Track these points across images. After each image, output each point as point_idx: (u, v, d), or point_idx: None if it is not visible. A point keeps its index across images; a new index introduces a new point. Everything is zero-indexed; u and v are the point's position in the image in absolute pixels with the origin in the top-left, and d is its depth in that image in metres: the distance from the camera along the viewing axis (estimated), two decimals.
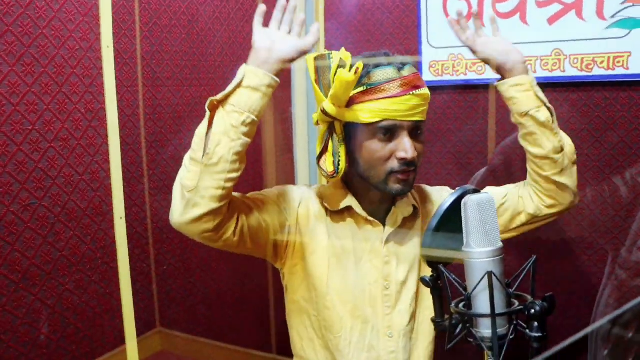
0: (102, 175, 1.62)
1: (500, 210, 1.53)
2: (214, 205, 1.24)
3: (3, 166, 1.38)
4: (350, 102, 1.36)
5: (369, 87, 1.35)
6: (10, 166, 1.40)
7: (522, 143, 1.51)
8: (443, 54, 2.16)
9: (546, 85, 1.96)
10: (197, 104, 2.00)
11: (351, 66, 1.29)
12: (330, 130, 1.43)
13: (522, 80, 1.46)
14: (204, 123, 1.26)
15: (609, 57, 1.87)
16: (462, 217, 1.14)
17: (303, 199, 1.49)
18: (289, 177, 2.41)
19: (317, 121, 1.44)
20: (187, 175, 1.25)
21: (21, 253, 1.43)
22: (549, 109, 1.46)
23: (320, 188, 1.54)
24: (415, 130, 1.38)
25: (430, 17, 2.16)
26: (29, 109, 1.43)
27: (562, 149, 1.46)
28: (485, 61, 1.53)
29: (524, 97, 1.45)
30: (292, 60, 1.32)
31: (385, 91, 1.34)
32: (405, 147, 1.36)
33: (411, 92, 1.34)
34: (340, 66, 1.33)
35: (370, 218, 1.47)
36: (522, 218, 1.54)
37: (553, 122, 1.46)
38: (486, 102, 2.12)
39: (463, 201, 1.14)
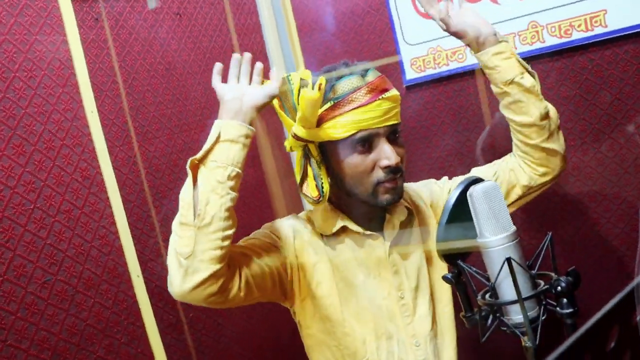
0: (111, 238, 1.62)
1: None
2: (215, 267, 1.18)
3: (13, 250, 1.39)
4: (320, 121, 1.32)
5: (335, 102, 1.31)
6: (20, 248, 1.41)
7: (506, 113, 1.45)
8: (422, 49, 2.16)
9: (529, 59, 1.95)
10: (190, 148, 2.01)
11: (313, 84, 1.27)
12: (306, 154, 1.39)
13: (503, 48, 1.41)
14: (188, 184, 1.22)
15: (585, 19, 1.86)
16: (470, 209, 1.13)
17: (296, 232, 1.43)
18: (296, 201, 2.41)
19: (291, 147, 1.40)
20: (180, 241, 1.19)
21: (47, 331, 1.43)
22: (531, 74, 1.42)
23: (308, 214, 1.49)
24: (392, 135, 1.35)
25: (401, 15, 2.17)
26: (27, 188, 1.44)
27: (547, 115, 1.42)
28: (458, 34, 1.44)
29: (506, 65, 1.40)
30: (263, 106, 1.31)
31: (354, 101, 1.31)
32: (386, 154, 1.32)
33: (380, 97, 1.31)
34: (302, 86, 1.30)
35: (367, 232, 1.42)
36: (518, 191, 1.50)
37: (537, 87, 1.42)
38: (475, 88, 2.11)
39: (468, 193, 1.13)
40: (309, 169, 1.39)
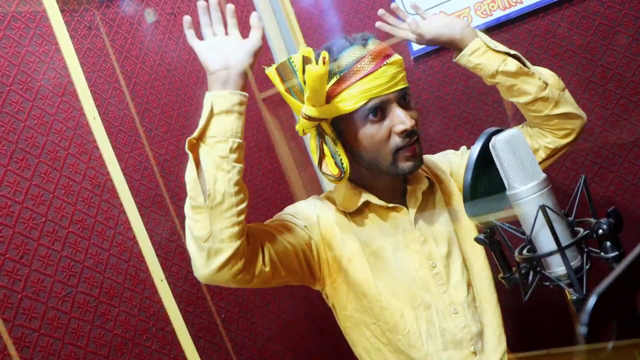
0: (129, 244, 1.58)
1: None
2: (236, 244, 1.15)
3: (28, 265, 1.35)
4: (329, 97, 1.29)
5: (341, 75, 1.28)
6: (36, 263, 1.37)
7: (507, 97, 1.44)
8: None
9: (537, 11, 1.89)
10: None
11: (317, 60, 1.21)
12: (320, 133, 1.35)
13: (476, 45, 1.39)
14: (190, 166, 1.16)
15: None
16: (495, 161, 1.07)
17: (319, 212, 1.41)
18: (315, 191, 2.36)
19: (303, 130, 1.36)
20: (196, 225, 1.15)
21: (73, 345, 1.39)
22: (513, 56, 1.39)
23: (329, 194, 1.47)
24: (402, 99, 1.32)
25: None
26: (36, 202, 1.40)
27: (545, 84, 1.38)
28: (434, 41, 1.45)
29: (486, 60, 1.39)
30: (251, 66, 1.23)
31: (360, 71, 1.28)
32: (400, 118, 1.29)
33: (385, 63, 1.28)
34: (305, 64, 1.25)
35: (391, 205, 1.39)
36: (542, 154, 1.46)
37: (525, 65, 1.39)
38: None
39: (490, 144, 1.07)
40: (326, 148, 1.35)
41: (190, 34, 1.26)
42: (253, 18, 1.26)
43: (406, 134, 1.29)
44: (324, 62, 1.19)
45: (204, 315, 1.79)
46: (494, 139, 1.06)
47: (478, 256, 1.44)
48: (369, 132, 1.31)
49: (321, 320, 2.25)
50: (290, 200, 2.30)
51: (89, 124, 1.57)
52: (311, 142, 1.38)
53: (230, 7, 1.27)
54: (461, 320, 1.38)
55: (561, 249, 1.00)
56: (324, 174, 1.36)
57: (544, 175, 1.04)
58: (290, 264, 1.30)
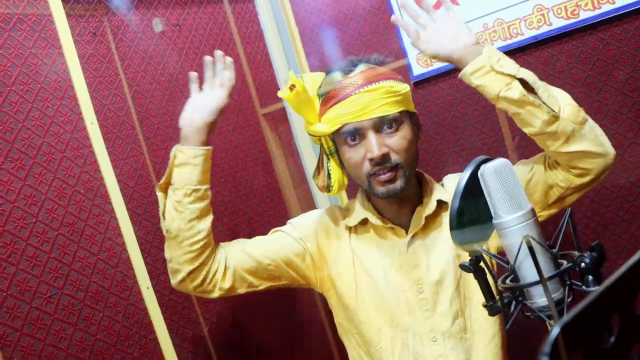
0: (117, 250, 1.58)
1: (530, 186, 1.36)
2: (190, 267, 1.41)
3: (15, 264, 1.35)
4: (320, 116, 1.39)
5: (322, 97, 1.38)
6: (23, 263, 1.37)
7: (518, 124, 1.32)
8: None
9: (537, 44, 1.91)
10: None
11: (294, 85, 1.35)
12: (321, 146, 1.46)
13: (479, 64, 1.26)
14: (160, 204, 1.43)
15: None
16: (483, 189, 1.08)
17: (321, 225, 1.51)
18: (310, 207, 2.36)
19: (314, 141, 1.49)
20: (165, 249, 1.45)
21: (54, 346, 1.39)
22: (521, 80, 1.25)
23: (348, 204, 1.54)
24: (384, 126, 1.34)
25: (403, 11, 2.12)
26: (27, 202, 1.41)
27: (555, 118, 1.23)
28: (435, 57, 1.36)
29: (488, 81, 1.26)
30: (214, 121, 1.45)
31: (335, 97, 1.34)
32: (369, 147, 1.32)
33: (358, 91, 1.31)
34: (291, 90, 1.36)
35: (389, 225, 1.43)
36: (556, 192, 1.35)
37: (535, 91, 1.25)
38: None
39: (479, 172, 1.08)
40: (323, 161, 1.48)
41: (193, 87, 1.52)
42: (225, 76, 1.49)
43: (375, 162, 1.32)
44: (291, 88, 1.33)
45: (189, 326, 1.78)
46: (482, 167, 1.07)
47: (477, 289, 1.41)
48: (347, 155, 1.38)
49: (308, 339, 2.24)
50: (284, 216, 2.30)
51: (86, 129, 1.58)
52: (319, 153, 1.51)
53: (227, 60, 1.50)
54: (438, 349, 1.38)
55: (543, 280, 1.00)
56: (316, 183, 1.49)
57: (530, 205, 1.05)
58: (271, 275, 1.48)
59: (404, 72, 2.17)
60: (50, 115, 1.51)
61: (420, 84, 2.17)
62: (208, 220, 1.43)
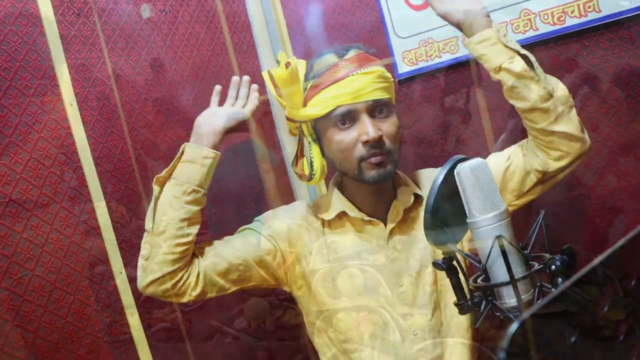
0: (92, 233, 1.57)
1: (507, 174, 1.40)
2: (168, 269, 1.34)
3: None
4: (305, 101, 1.36)
5: (313, 80, 1.35)
6: None
7: (508, 99, 1.36)
8: (413, 41, 2.11)
9: (523, 48, 1.92)
10: (178, 144, 1.94)
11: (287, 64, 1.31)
12: (301, 134, 1.42)
13: (487, 35, 1.31)
14: (154, 197, 1.38)
15: (578, 5, 1.81)
16: (458, 188, 1.08)
17: (292, 221, 1.46)
18: (290, 199, 2.36)
19: (290, 130, 1.45)
20: (143, 245, 1.38)
21: (23, 328, 1.38)
22: (524, 56, 1.31)
23: (317, 200, 1.50)
24: (376, 110, 1.34)
25: (391, 8, 2.13)
26: (1, 181, 1.39)
27: (550, 96, 1.30)
28: (444, 17, 1.38)
29: (492, 52, 1.30)
30: (230, 129, 1.43)
31: (329, 78, 1.32)
32: (364, 129, 1.31)
33: (355, 73, 1.31)
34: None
35: (367, 218, 1.40)
36: (533, 177, 1.38)
37: (534, 68, 1.31)
38: (468, 79, 2.07)
39: (455, 171, 1.08)
40: (304, 149, 1.44)
41: (214, 100, 1.52)
42: (252, 95, 1.53)
43: (370, 144, 1.31)
44: (286, 66, 1.30)
45: (162, 312, 1.77)
46: (459, 166, 1.07)
47: None
48: (337, 138, 1.34)
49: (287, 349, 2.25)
50: (263, 208, 2.30)
51: (65, 110, 1.56)
52: (296, 142, 1.46)
53: (253, 87, 1.54)
54: (419, 343, 1.37)
55: (513, 281, 1.01)
56: (295, 172, 1.44)
57: (504, 206, 1.05)
58: (241, 276, 1.43)
59: (389, 70, 2.17)
60: (28, 94, 1.49)
61: (404, 82, 2.17)
62: (196, 228, 1.39)
